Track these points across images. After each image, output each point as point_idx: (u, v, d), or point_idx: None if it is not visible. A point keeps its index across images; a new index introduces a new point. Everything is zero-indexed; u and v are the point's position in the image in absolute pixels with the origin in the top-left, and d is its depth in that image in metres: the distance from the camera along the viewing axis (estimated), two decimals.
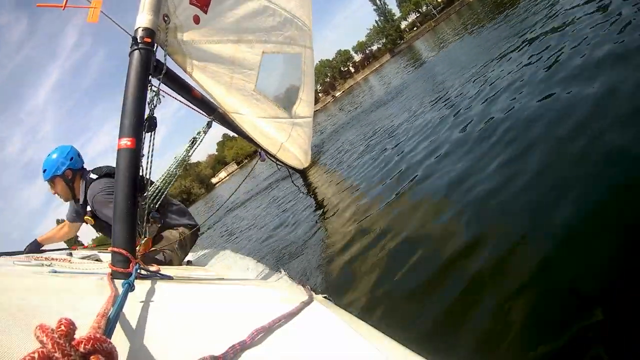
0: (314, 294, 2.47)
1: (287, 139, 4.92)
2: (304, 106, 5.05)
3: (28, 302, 1.65)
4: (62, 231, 5.55)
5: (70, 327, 0.96)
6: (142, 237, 3.18)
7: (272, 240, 7.21)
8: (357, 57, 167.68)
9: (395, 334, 1.68)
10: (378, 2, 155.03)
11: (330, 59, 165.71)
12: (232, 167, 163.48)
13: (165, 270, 2.95)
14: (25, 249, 5.49)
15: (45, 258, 3.54)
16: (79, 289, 2.14)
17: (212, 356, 1.16)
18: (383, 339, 1.78)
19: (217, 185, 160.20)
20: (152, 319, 1.66)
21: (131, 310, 1.65)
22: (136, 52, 2.78)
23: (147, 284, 2.34)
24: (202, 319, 1.78)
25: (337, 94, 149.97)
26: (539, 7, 13.18)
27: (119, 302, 1.51)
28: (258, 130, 4.39)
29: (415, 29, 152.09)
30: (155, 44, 2.90)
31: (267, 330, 1.55)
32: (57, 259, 3.58)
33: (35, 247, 5.49)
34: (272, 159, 5.43)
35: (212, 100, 3.88)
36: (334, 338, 1.79)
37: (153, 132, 2.96)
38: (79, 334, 0.97)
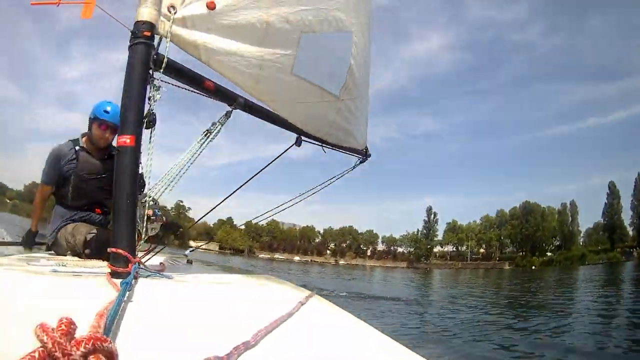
0: (314, 294, 2.50)
1: (335, 119, 4.70)
2: (355, 85, 4.75)
3: (28, 301, 1.70)
4: (45, 201, 5.33)
5: (70, 327, 0.98)
6: (143, 236, 3.12)
7: None
8: (380, 247, 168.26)
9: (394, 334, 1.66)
10: (432, 217, 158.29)
11: (358, 231, 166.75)
12: (212, 245, 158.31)
13: (167, 270, 3.03)
14: (23, 241, 5.40)
15: (46, 258, 3.59)
16: (79, 288, 2.14)
17: (217, 356, 1.15)
18: (382, 337, 1.80)
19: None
20: (152, 319, 1.67)
21: (131, 309, 1.64)
22: (135, 47, 2.77)
23: (147, 283, 2.35)
24: (203, 319, 1.77)
25: (341, 261, 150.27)
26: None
27: (118, 301, 1.50)
28: (299, 114, 4.22)
29: (442, 258, 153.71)
30: (157, 37, 2.90)
31: (270, 331, 1.55)
32: (57, 258, 3.65)
33: (32, 238, 5.33)
34: (316, 143, 5.05)
35: (234, 88, 3.70)
36: (336, 337, 1.82)
37: (153, 129, 2.94)
38: (79, 333, 0.97)
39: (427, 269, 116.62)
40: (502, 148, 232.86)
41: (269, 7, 3.31)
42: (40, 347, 0.86)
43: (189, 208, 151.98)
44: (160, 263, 4.36)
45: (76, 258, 4.24)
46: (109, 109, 4.86)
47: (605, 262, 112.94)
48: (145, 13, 2.77)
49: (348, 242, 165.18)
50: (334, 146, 5.26)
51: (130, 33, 2.79)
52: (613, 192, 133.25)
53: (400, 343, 1.68)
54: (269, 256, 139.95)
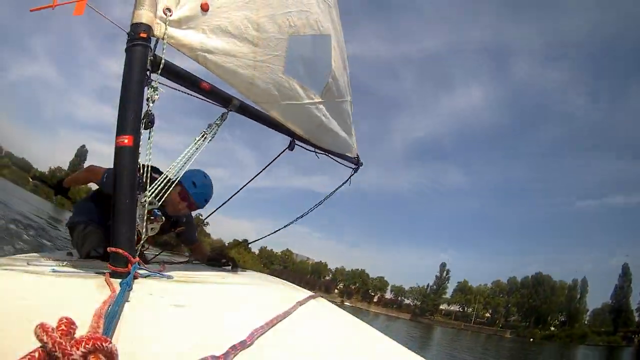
0: (310, 293, 2.61)
1: (321, 122, 4.59)
2: (337, 89, 4.71)
3: (28, 301, 1.69)
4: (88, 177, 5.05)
5: (70, 327, 1.01)
6: (143, 236, 3.11)
7: None
8: (388, 295, 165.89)
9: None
10: (444, 274, 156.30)
11: (370, 275, 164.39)
12: None
13: (166, 270, 2.98)
14: (51, 184, 5.34)
15: (46, 258, 3.62)
16: (79, 289, 2.12)
17: (213, 356, 1.18)
18: (380, 336, 1.87)
19: None
20: (152, 319, 1.68)
21: (131, 309, 1.64)
22: (132, 49, 2.75)
23: (147, 283, 2.34)
24: (202, 318, 1.78)
25: (347, 302, 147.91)
26: None
27: (118, 301, 1.54)
28: (292, 117, 4.19)
29: (447, 316, 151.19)
30: (153, 39, 2.88)
31: (266, 330, 1.57)
32: (57, 258, 3.62)
33: (59, 187, 5.16)
34: (310, 148, 4.99)
35: (229, 90, 3.67)
36: (333, 336, 1.88)
37: (151, 129, 2.90)
38: (79, 334, 0.99)
39: (430, 325, 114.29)
40: (526, 214, 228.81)
41: (258, 8, 3.36)
42: (40, 347, 0.89)
43: (207, 223, 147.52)
44: (160, 263, 4.22)
45: (76, 258, 4.27)
46: (203, 179, 4.58)
47: (606, 344, 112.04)
48: (142, 15, 2.80)
49: (357, 284, 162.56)
50: (326, 151, 5.22)
51: (126, 35, 2.83)
52: (626, 274, 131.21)
53: (400, 344, 1.75)
54: None
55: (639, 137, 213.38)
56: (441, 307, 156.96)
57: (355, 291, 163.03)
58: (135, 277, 2.27)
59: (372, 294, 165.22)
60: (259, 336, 1.49)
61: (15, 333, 1.24)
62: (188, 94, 3.50)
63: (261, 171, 5.43)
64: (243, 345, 1.34)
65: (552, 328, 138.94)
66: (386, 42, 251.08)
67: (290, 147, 4.81)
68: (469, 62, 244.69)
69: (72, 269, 2.75)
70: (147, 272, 2.63)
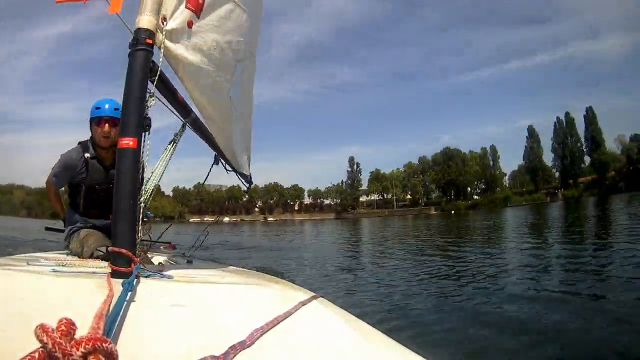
0: (312, 293, 2.55)
1: (238, 143, 4.95)
2: (249, 113, 5.19)
3: (28, 302, 1.72)
4: (58, 194, 5.42)
5: (70, 327, 1.03)
6: (138, 236, 3.08)
7: None
8: (306, 200, 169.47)
9: (393, 334, 1.76)
10: (354, 167, 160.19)
11: (284, 186, 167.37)
12: None
13: (166, 270, 2.98)
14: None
15: (46, 258, 3.60)
16: (80, 289, 2.15)
17: (213, 356, 1.20)
18: (381, 337, 1.84)
19: None
20: (152, 319, 1.69)
21: (131, 310, 1.65)
22: (137, 53, 2.79)
23: (147, 283, 2.34)
24: (202, 318, 1.78)
25: (270, 218, 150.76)
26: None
27: (119, 302, 1.55)
28: (223, 135, 4.39)
29: (369, 207, 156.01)
30: (154, 46, 2.93)
31: (266, 330, 1.58)
32: (57, 258, 3.63)
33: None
34: (227, 166, 5.44)
35: (192, 104, 3.89)
36: (333, 337, 1.85)
37: (148, 132, 2.97)
38: (79, 334, 1.01)
39: (356, 219, 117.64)
40: (422, 95, 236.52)
41: (224, 33, 3.57)
42: (40, 347, 0.91)
43: None
44: (160, 263, 4.50)
45: (76, 258, 4.29)
46: (104, 103, 4.83)
47: (530, 203, 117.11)
48: (146, 21, 2.84)
49: (275, 198, 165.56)
50: (233, 169, 5.58)
51: (132, 38, 2.85)
52: (532, 136, 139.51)
53: (401, 344, 1.70)
54: (199, 219, 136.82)
55: (522, 5, 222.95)
56: (361, 199, 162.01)
57: (274, 205, 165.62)
58: (136, 277, 2.24)
59: (291, 203, 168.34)
60: (259, 336, 1.50)
61: (15, 333, 1.27)
62: (163, 103, 3.58)
63: (203, 183, 6.39)
64: (243, 345, 1.36)
65: (476, 197, 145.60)
66: None
67: (216, 161, 5.30)
68: None
69: (72, 269, 2.83)
70: (147, 272, 2.64)
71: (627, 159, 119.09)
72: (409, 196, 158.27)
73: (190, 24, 3.18)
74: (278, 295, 2.63)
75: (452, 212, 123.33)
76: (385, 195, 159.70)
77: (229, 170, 5.57)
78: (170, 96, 3.60)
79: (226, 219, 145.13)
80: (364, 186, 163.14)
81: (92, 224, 4.94)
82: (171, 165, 3.78)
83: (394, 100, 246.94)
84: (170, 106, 3.76)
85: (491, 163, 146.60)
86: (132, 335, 1.40)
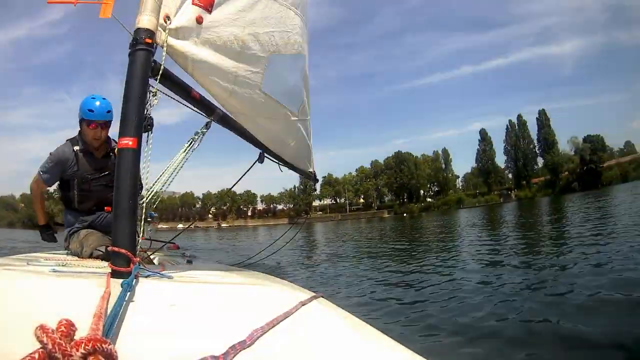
0: (312, 294, 2.54)
1: (294, 140, 4.87)
2: (306, 107, 5.02)
3: (28, 302, 1.72)
4: (43, 194, 5.36)
5: (70, 328, 1.03)
6: (140, 236, 3.13)
7: None
8: (259, 206, 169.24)
9: (394, 334, 1.76)
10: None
11: (237, 193, 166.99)
12: None
13: (166, 270, 3.00)
14: (44, 238, 5.49)
15: (46, 258, 3.61)
16: (79, 289, 2.14)
17: (213, 356, 1.20)
18: (381, 337, 1.83)
19: None
20: (151, 319, 1.69)
21: (131, 310, 1.66)
22: (137, 53, 2.79)
23: (147, 283, 2.34)
24: (202, 318, 1.78)
25: (224, 224, 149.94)
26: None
27: (118, 302, 1.56)
28: (263, 131, 4.33)
29: (322, 211, 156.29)
30: (155, 45, 2.93)
31: (266, 330, 1.57)
32: (57, 258, 3.64)
33: (48, 231, 5.42)
34: (275, 161, 5.34)
35: (212, 100, 3.83)
36: (333, 337, 1.84)
37: (150, 132, 3.02)
38: (79, 334, 1.01)
39: (309, 223, 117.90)
40: (374, 101, 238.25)
41: (244, 26, 3.49)
42: (40, 348, 0.91)
43: None
44: (160, 263, 4.36)
45: (76, 257, 4.27)
46: (97, 104, 4.75)
47: (483, 205, 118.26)
48: (146, 21, 2.84)
49: (228, 204, 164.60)
50: (289, 166, 5.57)
51: (131, 38, 2.85)
52: (485, 139, 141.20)
53: (401, 344, 1.71)
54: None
55: (474, 12, 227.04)
56: (314, 204, 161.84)
57: (228, 211, 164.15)
58: (135, 277, 2.26)
59: (244, 209, 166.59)
60: (259, 336, 1.51)
61: (16, 334, 1.28)
62: (178, 101, 3.58)
63: (236, 183, 5.91)
64: (243, 345, 1.37)
65: (429, 199, 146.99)
66: None
67: (260, 159, 5.09)
68: None
69: (72, 269, 2.83)
70: (147, 272, 2.64)
71: (580, 159, 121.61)
72: (361, 200, 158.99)
73: (199, 20, 3.17)
74: (278, 295, 2.64)
75: (405, 215, 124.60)
76: (338, 199, 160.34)
77: (283, 166, 5.58)
78: (184, 94, 3.56)
79: (180, 225, 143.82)
80: (317, 191, 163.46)
81: (89, 223, 4.92)
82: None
83: (347, 106, 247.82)
84: (188, 104, 3.73)
85: (443, 166, 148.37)
86: (131, 335, 1.41)
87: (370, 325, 2.04)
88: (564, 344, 5.43)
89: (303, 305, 2.14)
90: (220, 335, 1.51)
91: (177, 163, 3.69)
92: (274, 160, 5.28)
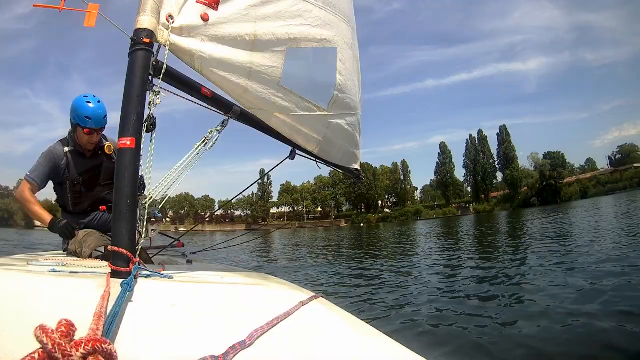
0: (312, 294, 2.56)
1: (323, 135, 4.69)
2: (344, 102, 4.79)
3: (28, 302, 1.70)
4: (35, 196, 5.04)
5: (70, 328, 1.02)
6: (143, 237, 3.10)
7: None
8: (218, 211, 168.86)
9: (394, 333, 1.79)
10: (264, 180, 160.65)
11: (195, 197, 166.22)
12: None
13: (166, 270, 2.99)
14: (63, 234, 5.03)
15: (45, 258, 3.55)
16: (79, 289, 2.12)
17: (213, 356, 1.21)
18: (381, 337, 1.83)
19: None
20: (151, 319, 1.68)
21: (131, 310, 1.66)
22: (135, 53, 2.79)
23: (147, 283, 2.34)
24: (202, 319, 1.78)
25: (181, 228, 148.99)
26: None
27: (118, 302, 1.56)
28: (288, 126, 4.22)
29: (280, 219, 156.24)
30: (156, 44, 2.93)
31: (266, 331, 1.58)
32: (57, 258, 3.55)
33: (63, 224, 4.86)
34: (311, 158, 5.13)
35: (228, 97, 3.72)
36: (333, 337, 1.85)
37: (153, 132, 2.97)
38: (79, 335, 1.01)
39: (266, 229, 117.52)
40: None
41: (256, 21, 3.44)
42: (40, 348, 0.92)
43: None
44: (160, 263, 4.28)
45: (75, 258, 4.20)
46: (92, 108, 4.66)
47: (441, 217, 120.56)
48: (145, 21, 2.84)
49: (186, 208, 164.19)
50: (327, 162, 5.39)
51: (130, 40, 2.85)
52: (444, 152, 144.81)
53: (401, 343, 1.73)
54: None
55: (441, 27, 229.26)
56: (272, 211, 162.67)
57: (186, 215, 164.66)
58: (135, 277, 2.25)
59: (202, 214, 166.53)
60: (259, 336, 1.51)
61: (15, 334, 1.26)
62: (190, 100, 3.53)
63: (260, 178, 5.95)
64: (243, 345, 1.37)
65: (387, 210, 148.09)
66: None
67: (291, 156, 4.91)
68: None
69: (72, 269, 2.80)
70: (147, 272, 2.64)
71: (540, 175, 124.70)
72: (319, 209, 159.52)
73: (205, 18, 3.15)
74: (278, 295, 2.65)
75: (362, 224, 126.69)
76: (295, 207, 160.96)
77: (321, 163, 5.38)
78: (194, 92, 3.47)
79: None
80: (275, 198, 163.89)
81: (86, 224, 4.91)
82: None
83: None
84: (200, 102, 3.63)
85: (402, 177, 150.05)
86: (131, 335, 1.41)
87: (370, 325, 2.07)
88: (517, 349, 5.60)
89: (303, 305, 2.15)
90: (220, 335, 1.53)
91: (188, 163, 3.56)
92: (309, 157, 5.11)
